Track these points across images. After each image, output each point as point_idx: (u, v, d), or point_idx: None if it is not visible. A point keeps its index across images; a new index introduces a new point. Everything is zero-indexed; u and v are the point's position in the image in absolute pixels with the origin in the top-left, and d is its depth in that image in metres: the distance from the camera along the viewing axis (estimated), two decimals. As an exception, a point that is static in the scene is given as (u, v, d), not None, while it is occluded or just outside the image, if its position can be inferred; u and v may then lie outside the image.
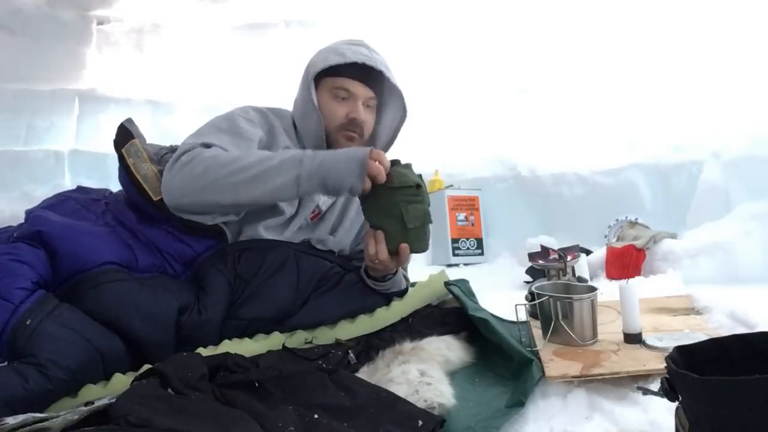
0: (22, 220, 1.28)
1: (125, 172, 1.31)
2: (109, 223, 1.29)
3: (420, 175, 1.23)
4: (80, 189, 1.45)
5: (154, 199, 1.27)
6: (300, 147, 1.43)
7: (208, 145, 1.25)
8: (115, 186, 1.48)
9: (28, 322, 1.01)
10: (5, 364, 1.00)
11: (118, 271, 1.17)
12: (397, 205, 1.18)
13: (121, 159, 1.32)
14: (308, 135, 1.42)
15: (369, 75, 1.41)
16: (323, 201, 1.45)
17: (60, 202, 1.34)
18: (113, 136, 1.36)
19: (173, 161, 1.24)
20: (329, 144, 1.42)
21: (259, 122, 1.39)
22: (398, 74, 1.48)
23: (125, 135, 1.34)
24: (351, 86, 1.39)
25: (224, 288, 1.24)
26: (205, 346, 1.16)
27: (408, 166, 1.21)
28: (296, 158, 1.18)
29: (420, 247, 1.23)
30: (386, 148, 1.55)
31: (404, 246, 1.21)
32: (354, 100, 1.40)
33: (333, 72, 1.38)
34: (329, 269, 1.36)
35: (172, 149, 1.42)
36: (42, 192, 2.72)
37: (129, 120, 1.39)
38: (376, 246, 1.21)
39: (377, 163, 1.16)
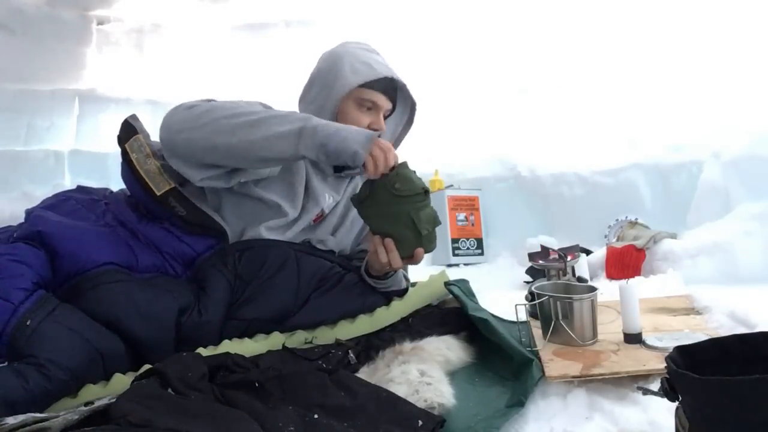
0: (22, 220, 1.28)
1: (128, 167, 1.31)
2: (109, 223, 1.29)
3: (414, 171, 1.23)
4: (80, 189, 1.44)
5: (158, 193, 1.27)
6: None
7: (211, 100, 1.27)
8: (116, 186, 1.48)
9: (28, 323, 1.01)
10: (5, 364, 1.00)
11: (117, 271, 1.17)
12: (408, 213, 1.19)
13: (125, 154, 1.32)
14: None
15: (390, 88, 1.43)
16: (327, 205, 1.44)
17: (60, 201, 1.34)
18: (116, 133, 1.36)
19: (177, 106, 1.24)
20: None
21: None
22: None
23: (129, 130, 1.34)
24: (377, 99, 1.40)
25: (224, 289, 1.24)
26: (205, 347, 1.16)
27: (406, 165, 1.21)
28: (305, 116, 1.18)
29: (432, 247, 1.25)
30: None
31: (419, 250, 1.23)
32: (377, 111, 1.41)
33: (362, 83, 1.38)
34: (329, 269, 1.36)
35: None
36: (42, 192, 2.71)
37: (133, 116, 1.39)
38: (388, 254, 1.23)
39: (392, 149, 1.16)
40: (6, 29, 3.47)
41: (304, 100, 1.46)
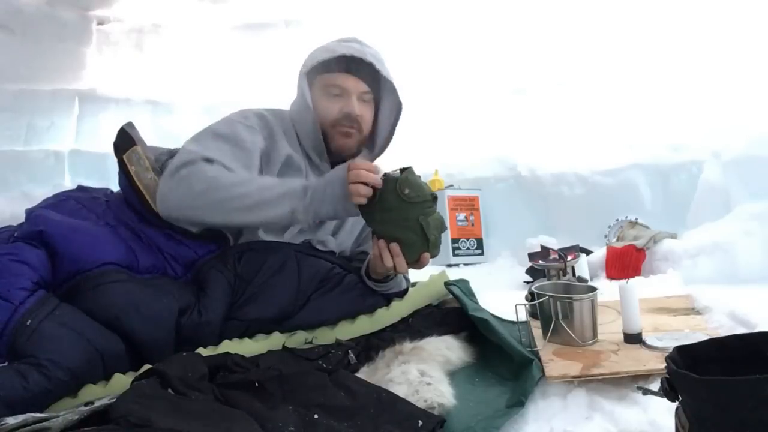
0: (22, 220, 1.28)
1: (126, 180, 1.30)
2: (110, 223, 1.28)
3: (419, 177, 1.21)
4: (80, 189, 1.44)
5: (156, 210, 1.27)
6: (300, 147, 1.43)
7: (209, 160, 1.24)
8: (115, 186, 1.48)
9: (28, 323, 1.01)
10: (5, 364, 1.00)
11: (118, 271, 1.17)
12: (417, 219, 1.18)
13: (122, 164, 1.31)
14: (305, 134, 1.42)
15: (362, 70, 1.39)
16: None
17: (60, 201, 1.33)
18: (113, 139, 1.36)
19: (173, 171, 1.23)
20: (326, 141, 1.41)
21: (259, 127, 1.37)
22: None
23: (126, 140, 1.33)
24: (342, 81, 1.37)
25: (224, 289, 1.24)
26: (205, 347, 1.16)
27: (412, 171, 1.20)
28: (295, 192, 1.20)
29: (437, 252, 1.24)
30: (385, 145, 1.55)
31: (425, 255, 1.22)
32: (347, 95, 1.38)
33: (325, 69, 1.38)
34: (330, 270, 1.36)
35: (171, 154, 1.40)
36: (42, 192, 2.71)
37: (129, 124, 1.38)
38: (393, 259, 1.22)
39: (363, 171, 1.15)
40: (6, 29, 3.46)
41: (292, 105, 1.47)
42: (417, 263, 1.23)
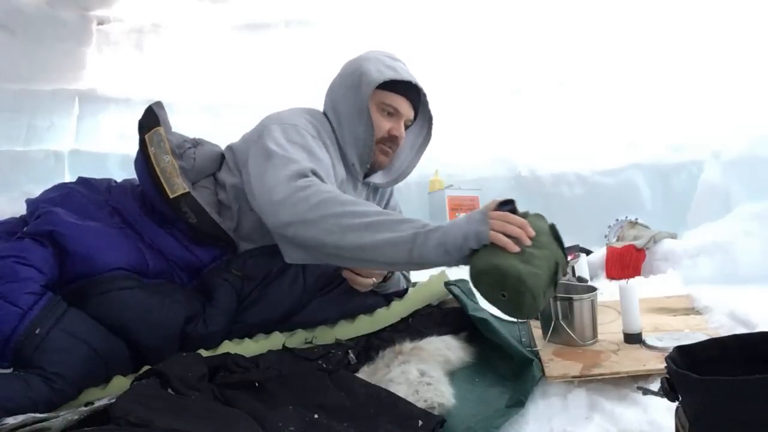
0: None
1: (143, 160, 1.25)
2: (118, 224, 1.26)
3: None
4: (82, 182, 1.37)
5: (170, 196, 1.22)
6: (340, 153, 1.38)
7: (315, 172, 1.15)
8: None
9: (37, 331, 1.00)
10: (11, 371, 1.00)
11: (127, 277, 1.15)
12: (557, 262, 1.02)
13: (142, 144, 1.26)
14: (353, 142, 1.38)
15: (412, 95, 1.41)
16: None
17: (64, 195, 1.29)
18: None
19: (289, 179, 1.12)
20: None
21: (320, 138, 1.31)
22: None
23: (151, 119, 1.29)
24: (400, 105, 1.38)
25: (230, 298, 1.23)
26: (207, 349, 1.16)
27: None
28: (419, 222, 1.06)
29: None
30: (405, 173, 1.54)
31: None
32: (398, 117, 1.39)
33: (384, 86, 1.35)
34: (334, 271, 1.35)
35: (194, 143, 1.37)
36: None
37: (158, 103, 1.34)
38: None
39: (509, 226, 1.03)
40: (6, 29, 3.46)
41: (331, 106, 1.41)
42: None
